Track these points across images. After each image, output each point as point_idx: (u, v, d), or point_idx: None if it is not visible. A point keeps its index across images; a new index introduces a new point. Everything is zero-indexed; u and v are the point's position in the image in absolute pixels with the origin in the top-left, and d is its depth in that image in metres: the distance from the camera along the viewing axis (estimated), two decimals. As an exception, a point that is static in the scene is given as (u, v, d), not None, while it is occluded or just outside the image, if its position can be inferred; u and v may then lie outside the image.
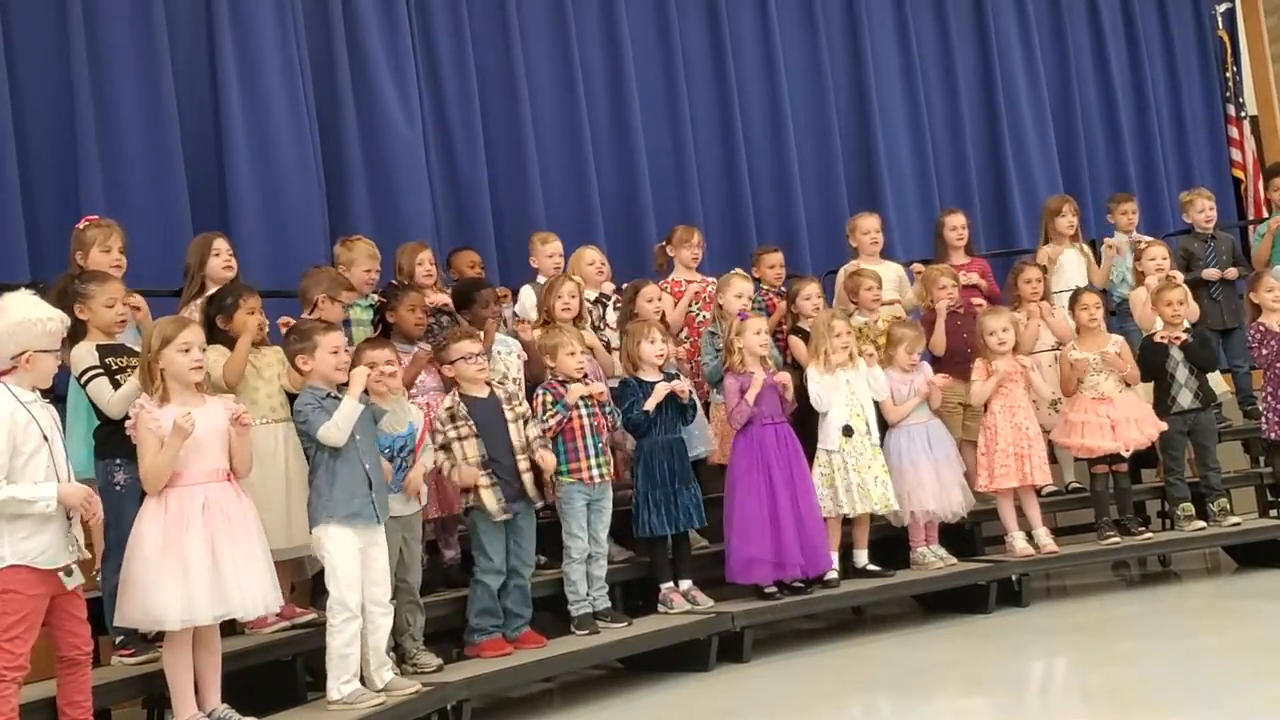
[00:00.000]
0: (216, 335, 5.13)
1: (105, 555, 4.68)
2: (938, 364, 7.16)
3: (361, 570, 4.70)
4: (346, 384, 4.82)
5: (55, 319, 4.11)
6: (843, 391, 6.43)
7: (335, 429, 4.68)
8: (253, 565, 4.37)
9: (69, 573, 4.02)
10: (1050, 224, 7.95)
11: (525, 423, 5.56)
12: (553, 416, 5.71)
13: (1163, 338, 7.02)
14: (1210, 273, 7.95)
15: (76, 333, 4.82)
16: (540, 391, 5.84)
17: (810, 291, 7.01)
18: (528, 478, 5.46)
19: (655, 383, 6.05)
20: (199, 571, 4.23)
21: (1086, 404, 6.90)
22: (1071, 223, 7.90)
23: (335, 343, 4.88)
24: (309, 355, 4.83)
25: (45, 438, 4.00)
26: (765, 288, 7.43)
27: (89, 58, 6.75)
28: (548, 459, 5.55)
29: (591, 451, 5.77)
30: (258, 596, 4.40)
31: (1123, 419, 6.87)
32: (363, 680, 4.69)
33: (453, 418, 5.41)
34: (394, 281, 6.35)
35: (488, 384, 5.57)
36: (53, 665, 4.14)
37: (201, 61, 7.25)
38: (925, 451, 6.66)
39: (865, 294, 7.13)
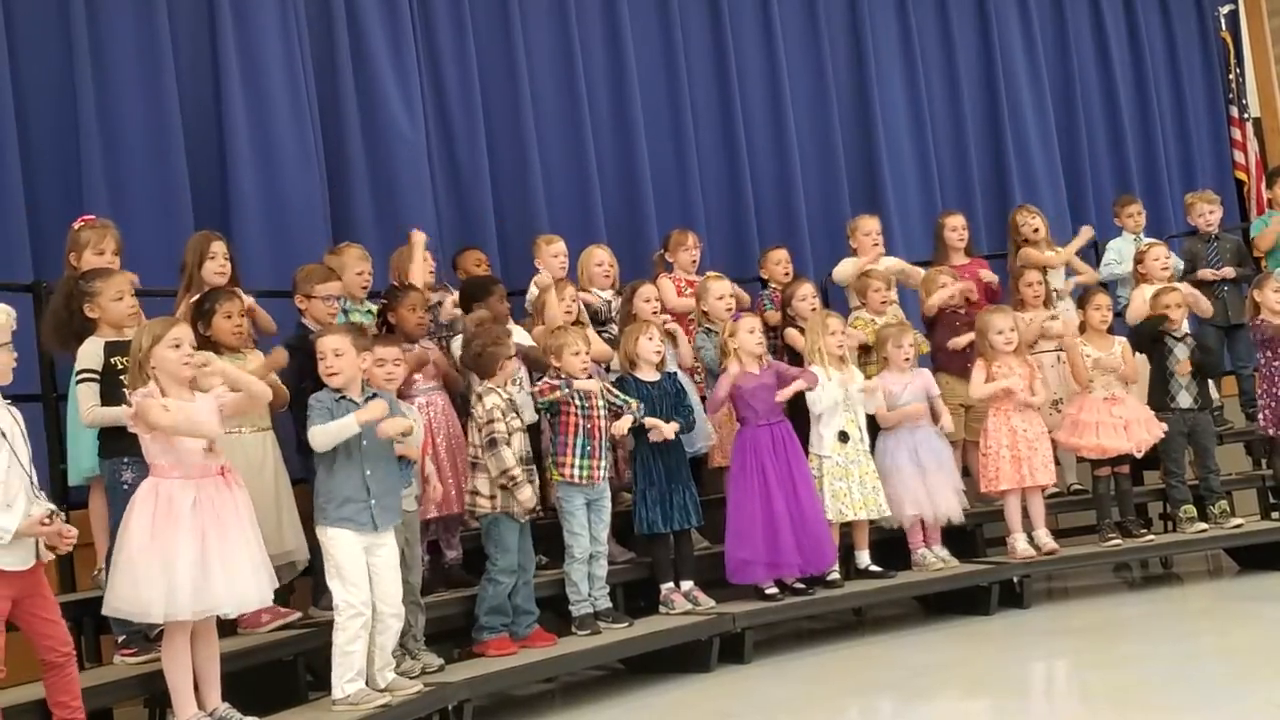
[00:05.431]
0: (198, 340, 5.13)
1: (109, 555, 4.66)
2: (938, 363, 7.17)
3: (369, 570, 4.70)
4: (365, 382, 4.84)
5: (1, 311, 3.96)
6: (838, 394, 6.40)
7: (323, 436, 4.65)
8: (242, 561, 4.32)
9: (37, 556, 3.91)
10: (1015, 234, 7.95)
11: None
12: (553, 389, 5.70)
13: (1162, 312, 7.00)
14: (1206, 273, 7.97)
15: (86, 331, 4.82)
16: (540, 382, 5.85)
17: (805, 292, 7.01)
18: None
19: (651, 382, 6.07)
20: (183, 567, 4.18)
21: (1098, 404, 6.89)
22: (1036, 227, 7.89)
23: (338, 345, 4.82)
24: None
25: (2, 433, 3.83)
26: (773, 286, 7.43)
27: (91, 56, 6.74)
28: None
29: (579, 451, 5.75)
30: (248, 593, 4.37)
31: (1134, 419, 6.88)
32: (367, 680, 4.69)
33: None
34: (394, 284, 6.35)
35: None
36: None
37: (204, 59, 7.23)
38: (912, 456, 6.65)
39: (873, 295, 7.13)
